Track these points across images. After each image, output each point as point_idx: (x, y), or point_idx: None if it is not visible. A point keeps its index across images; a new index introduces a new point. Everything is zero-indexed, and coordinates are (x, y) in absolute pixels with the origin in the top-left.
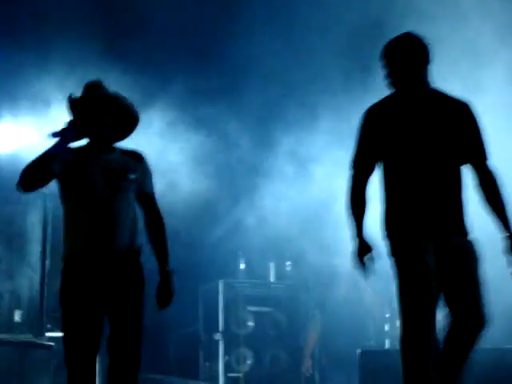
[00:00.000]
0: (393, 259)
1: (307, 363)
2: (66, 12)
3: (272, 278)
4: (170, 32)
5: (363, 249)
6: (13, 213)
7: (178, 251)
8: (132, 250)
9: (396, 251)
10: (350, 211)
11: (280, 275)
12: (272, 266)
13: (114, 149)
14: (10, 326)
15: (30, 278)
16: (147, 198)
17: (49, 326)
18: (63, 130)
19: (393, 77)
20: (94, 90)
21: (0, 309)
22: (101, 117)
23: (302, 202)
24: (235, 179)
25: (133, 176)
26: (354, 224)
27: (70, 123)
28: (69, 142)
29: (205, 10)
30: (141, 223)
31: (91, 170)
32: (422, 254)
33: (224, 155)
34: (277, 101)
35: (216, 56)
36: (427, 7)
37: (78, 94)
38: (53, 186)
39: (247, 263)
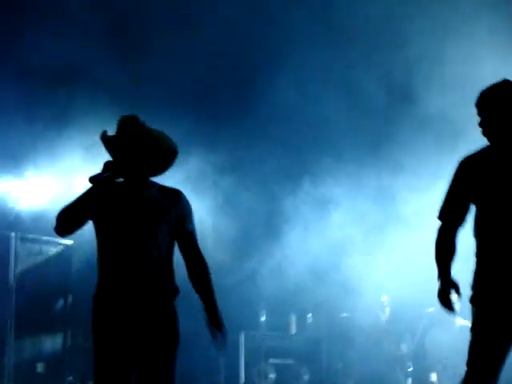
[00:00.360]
0: (473, 309)
1: None
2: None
3: (293, 330)
4: None
5: (448, 287)
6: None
7: (198, 301)
8: (164, 292)
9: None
10: (437, 260)
11: (301, 327)
12: (293, 318)
13: (151, 185)
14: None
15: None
16: (185, 237)
17: (70, 378)
18: (100, 173)
19: (487, 126)
20: (127, 126)
21: (23, 360)
22: (135, 155)
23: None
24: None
25: (167, 216)
26: (441, 267)
27: (107, 165)
28: (105, 183)
29: None
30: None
31: (124, 210)
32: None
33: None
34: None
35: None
36: None
37: (112, 131)
38: (77, 237)
39: (268, 315)
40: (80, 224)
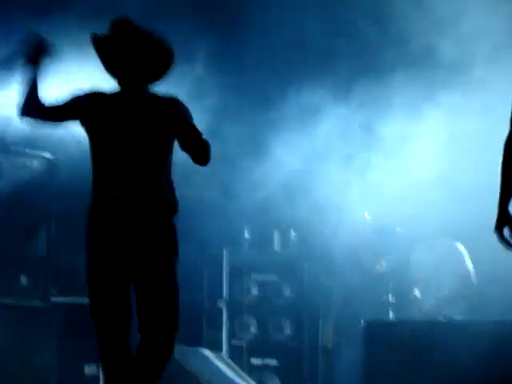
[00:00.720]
0: None
1: (328, 337)
2: None
3: (277, 247)
4: None
5: (504, 220)
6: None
7: (182, 219)
8: (163, 204)
9: None
10: (501, 180)
11: (284, 244)
12: (276, 234)
13: (147, 94)
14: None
15: (35, 241)
16: (188, 136)
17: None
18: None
19: None
20: (121, 28)
21: (6, 273)
22: (129, 58)
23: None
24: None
25: (165, 126)
26: (501, 189)
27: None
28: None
29: None
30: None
31: (120, 119)
32: None
33: None
34: None
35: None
36: None
37: (103, 32)
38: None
39: (251, 231)
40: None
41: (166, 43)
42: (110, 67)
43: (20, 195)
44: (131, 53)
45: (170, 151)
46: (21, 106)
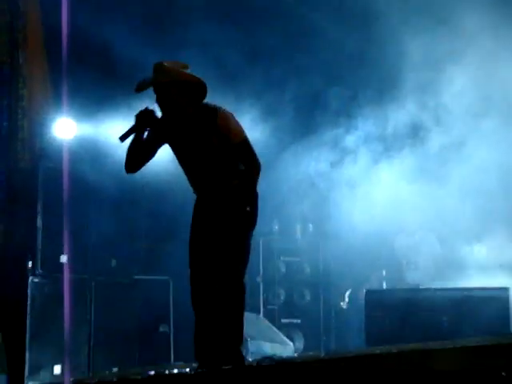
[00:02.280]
0: None
1: (342, 303)
2: None
3: (298, 235)
4: None
5: None
6: None
7: None
8: (224, 186)
9: None
10: None
11: (304, 233)
12: (298, 227)
13: (190, 115)
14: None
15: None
16: (235, 151)
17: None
18: (129, 129)
19: None
20: (155, 75)
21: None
22: (163, 100)
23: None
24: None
25: (208, 139)
26: None
27: (136, 118)
28: (141, 131)
29: None
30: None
31: (174, 139)
32: None
33: None
34: None
35: None
36: None
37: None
38: None
39: (279, 224)
40: (143, 162)
41: (192, 77)
42: (158, 105)
43: None
44: (162, 98)
45: (221, 156)
46: (132, 162)
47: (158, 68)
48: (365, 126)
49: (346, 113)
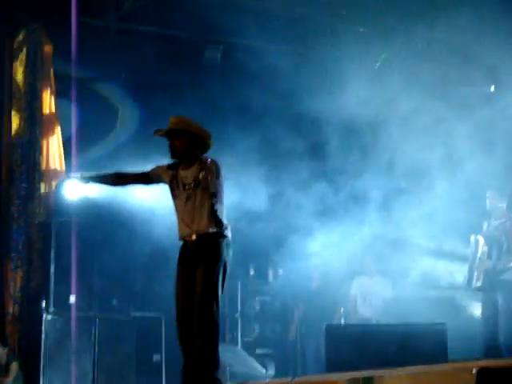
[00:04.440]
0: None
1: (292, 332)
2: None
3: (270, 279)
4: None
5: None
6: None
7: None
8: (208, 234)
9: None
10: None
11: (275, 277)
12: (270, 271)
13: (195, 161)
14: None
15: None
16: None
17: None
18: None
19: None
20: (172, 123)
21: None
22: (171, 145)
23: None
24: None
25: (197, 182)
26: None
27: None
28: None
29: None
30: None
31: (176, 182)
32: None
33: None
34: None
35: None
36: None
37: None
38: None
39: (254, 269)
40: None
41: (199, 130)
42: (170, 149)
43: None
44: (171, 144)
45: (210, 198)
46: (109, 185)
47: (176, 118)
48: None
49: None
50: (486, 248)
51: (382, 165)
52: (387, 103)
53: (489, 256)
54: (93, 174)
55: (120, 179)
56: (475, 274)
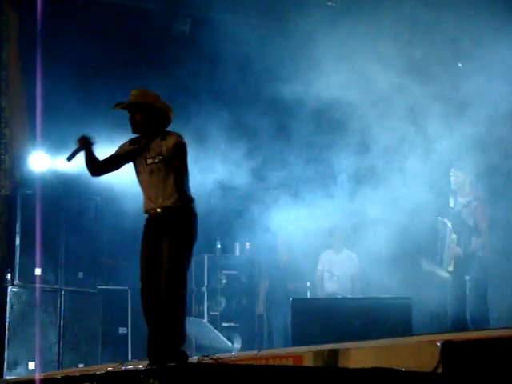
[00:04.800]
0: None
1: (260, 306)
2: None
3: (237, 253)
4: None
5: None
6: None
7: None
8: (173, 207)
9: None
10: None
11: (242, 251)
12: (237, 245)
13: (156, 135)
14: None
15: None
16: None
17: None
18: (73, 151)
19: None
20: (135, 96)
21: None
22: (132, 119)
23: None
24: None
25: (160, 157)
26: None
27: (78, 142)
28: (87, 152)
29: None
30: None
31: (139, 157)
32: None
33: None
34: None
35: None
36: None
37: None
38: None
39: (221, 243)
40: (102, 173)
41: (168, 107)
42: (130, 123)
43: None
44: (132, 117)
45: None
46: (89, 170)
47: (137, 91)
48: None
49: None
50: (454, 236)
51: (353, 142)
52: (357, 80)
53: (458, 243)
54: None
55: (98, 167)
56: (445, 259)
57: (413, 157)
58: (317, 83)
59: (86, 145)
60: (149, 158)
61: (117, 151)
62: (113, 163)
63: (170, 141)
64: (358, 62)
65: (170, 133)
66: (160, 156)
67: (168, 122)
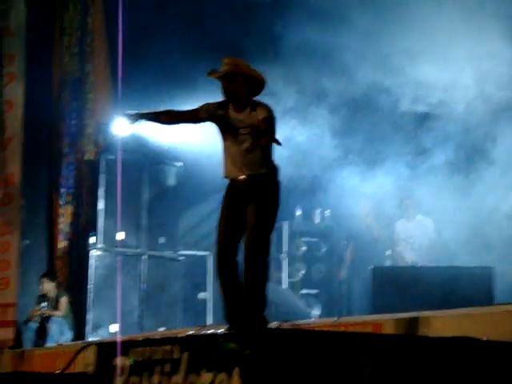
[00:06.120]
0: None
1: (342, 272)
2: None
3: (317, 220)
4: None
5: None
6: None
7: None
8: (259, 175)
9: None
10: None
11: (321, 218)
12: (317, 212)
13: (247, 105)
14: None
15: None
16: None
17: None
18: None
19: None
20: (227, 65)
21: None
22: (227, 88)
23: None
24: None
25: (248, 128)
26: None
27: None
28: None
29: None
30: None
31: (228, 124)
32: None
33: None
34: None
35: None
36: None
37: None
38: None
39: (302, 210)
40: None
41: (261, 75)
42: (223, 91)
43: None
44: (226, 85)
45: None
46: (160, 123)
47: (231, 60)
48: None
49: None
50: None
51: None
52: None
53: None
54: (145, 112)
55: (170, 117)
56: None
57: None
58: None
59: (135, 119)
60: (238, 128)
61: (201, 108)
62: (192, 118)
63: (261, 113)
64: None
65: (260, 104)
66: (249, 127)
67: (259, 91)
